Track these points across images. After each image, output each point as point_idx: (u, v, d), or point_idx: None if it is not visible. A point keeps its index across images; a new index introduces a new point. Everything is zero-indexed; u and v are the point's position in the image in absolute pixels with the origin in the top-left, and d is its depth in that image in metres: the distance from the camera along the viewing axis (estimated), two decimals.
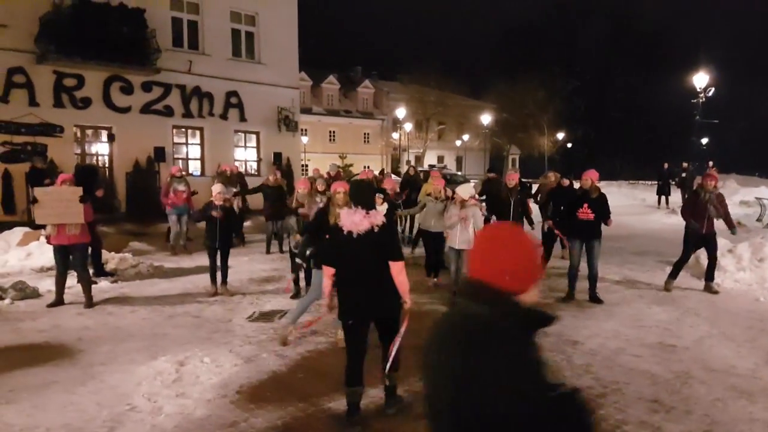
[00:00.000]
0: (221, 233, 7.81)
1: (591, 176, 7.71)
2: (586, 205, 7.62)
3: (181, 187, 11.60)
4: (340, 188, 5.18)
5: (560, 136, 40.37)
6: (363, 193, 4.21)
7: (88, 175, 9.74)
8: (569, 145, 41.79)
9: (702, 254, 8.94)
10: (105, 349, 5.74)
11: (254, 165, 19.73)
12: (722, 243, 9.71)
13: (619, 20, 43.80)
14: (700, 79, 18.18)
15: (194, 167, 18.32)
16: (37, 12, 14.33)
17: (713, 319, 6.91)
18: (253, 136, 19.72)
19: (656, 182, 22.62)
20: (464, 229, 7.47)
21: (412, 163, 18.77)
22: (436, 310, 7.33)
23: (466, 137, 46.01)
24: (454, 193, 7.90)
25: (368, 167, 21.24)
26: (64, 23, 14.35)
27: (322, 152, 40.37)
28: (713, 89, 18.25)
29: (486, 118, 34.83)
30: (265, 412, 4.30)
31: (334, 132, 45.59)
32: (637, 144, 41.04)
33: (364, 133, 48.07)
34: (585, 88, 37.31)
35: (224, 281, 8.14)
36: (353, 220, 3.97)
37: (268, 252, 11.83)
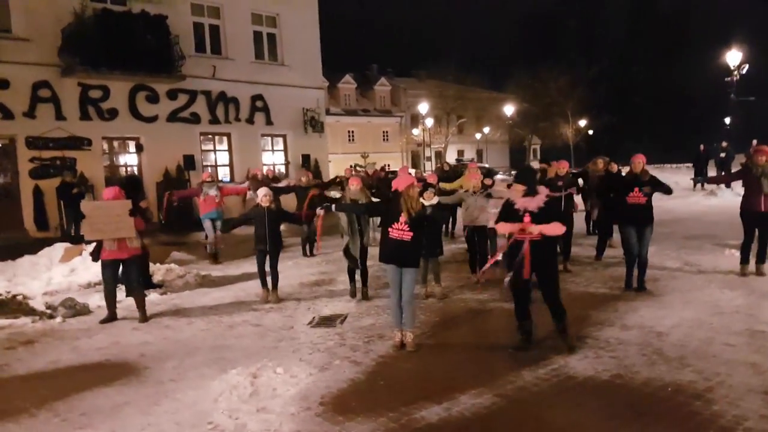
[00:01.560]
0: (270, 236, 7.63)
1: (641, 159, 7.47)
2: (636, 189, 7.35)
3: (213, 192, 11.47)
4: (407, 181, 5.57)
5: (582, 123, 39.65)
6: (532, 178, 5.58)
7: (133, 187, 9.60)
8: (590, 132, 41.04)
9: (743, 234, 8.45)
10: (171, 364, 5.55)
11: (282, 168, 19.57)
12: None
13: (637, 3, 42.84)
14: (733, 57, 17.58)
15: (223, 173, 18.22)
16: (60, 24, 14.30)
17: None
18: (280, 139, 19.58)
19: (691, 164, 22.00)
20: None
21: (432, 158, 18.73)
22: (496, 307, 7.06)
23: (486, 130, 45.46)
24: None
25: (405, 165, 20.99)
26: (88, 34, 14.30)
27: (342, 153, 40.18)
28: (747, 66, 17.65)
29: (508, 110, 34.27)
30: (356, 424, 4.06)
31: (353, 132, 45.40)
32: (662, 127, 40.21)
33: (383, 131, 47.81)
34: (607, 74, 36.56)
35: (275, 286, 7.94)
36: (530, 202, 5.18)
37: (305, 255, 11.67)
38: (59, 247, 10.63)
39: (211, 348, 5.99)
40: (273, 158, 19.48)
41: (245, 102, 18.16)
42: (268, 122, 18.80)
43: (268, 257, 7.78)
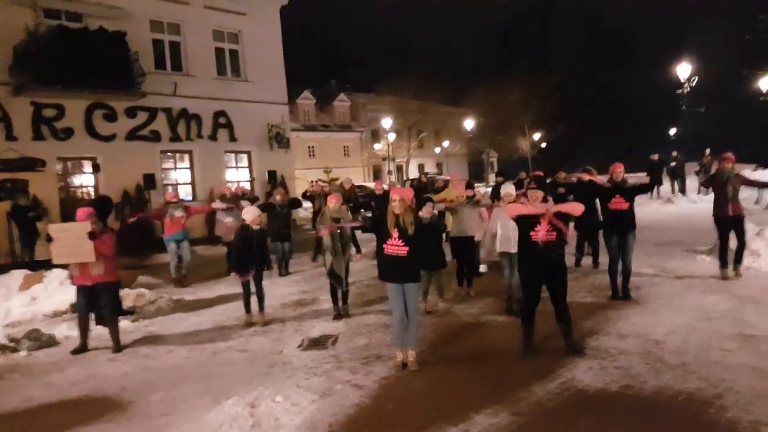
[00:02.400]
0: (258, 258, 7.48)
1: (620, 168, 7.65)
2: (618, 195, 7.46)
3: (178, 213, 11.09)
4: (396, 195, 5.36)
5: (537, 136, 40.61)
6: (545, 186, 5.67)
7: (103, 208, 9.11)
8: (543, 144, 42.04)
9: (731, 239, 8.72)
10: (158, 396, 5.21)
11: (248, 185, 19.14)
12: (749, 227, 9.61)
13: (589, 19, 44.39)
14: (684, 70, 18.30)
15: (185, 192, 17.66)
16: (11, 41, 13.65)
17: (765, 301, 6.71)
18: (245, 156, 19.19)
19: (646, 173, 22.65)
20: (516, 230, 7.10)
21: (394, 173, 18.88)
22: (490, 320, 6.98)
23: (446, 143, 45.92)
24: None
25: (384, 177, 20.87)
26: (41, 52, 13.69)
27: (303, 168, 39.71)
28: (696, 78, 18.41)
29: (468, 124, 34.74)
30: None
31: (313, 147, 45.06)
32: (612, 138, 41.63)
33: (344, 146, 47.66)
34: (561, 87, 37.61)
35: (261, 308, 7.63)
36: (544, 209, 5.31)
37: (281, 274, 11.37)
38: (17, 275, 10.01)
39: (199, 377, 5.66)
40: (237, 175, 19.04)
41: (208, 118, 17.73)
42: (232, 139, 18.40)
43: (253, 279, 7.51)
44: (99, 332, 7.19)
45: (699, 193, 19.77)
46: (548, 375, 5.02)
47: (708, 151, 19.50)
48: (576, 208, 5.45)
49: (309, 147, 45.09)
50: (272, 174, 19.36)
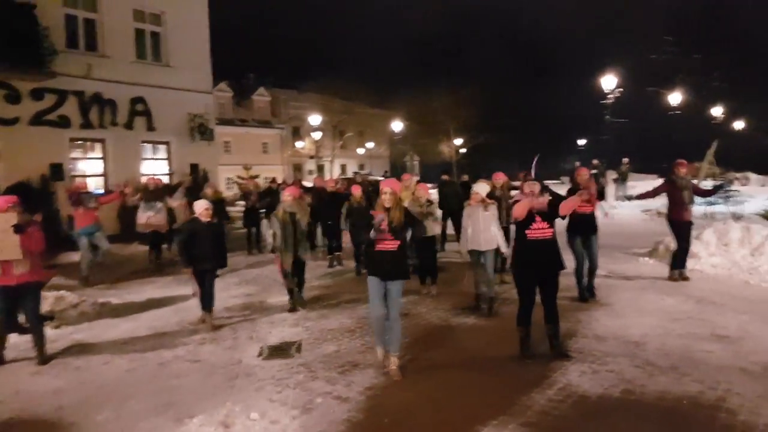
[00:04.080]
0: (214, 253, 6.86)
1: (586, 171, 7.89)
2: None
3: (92, 204, 10.17)
4: (387, 188, 5.06)
5: (459, 141, 41.47)
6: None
7: (27, 197, 7.87)
8: (463, 150, 43.05)
9: (673, 242, 8.99)
10: (105, 416, 4.43)
11: (166, 179, 17.78)
12: None
13: (508, 32, 46.19)
14: (608, 81, 19.15)
15: (96, 184, 16.09)
16: None
17: (732, 305, 6.91)
18: (163, 147, 17.78)
19: (559, 181, 23.60)
20: (486, 229, 6.92)
21: (314, 171, 18.60)
22: (460, 322, 6.68)
23: (370, 145, 45.68)
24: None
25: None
26: None
27: (218, 164, 37.99)
28: (621, 90, 19.34)
29: (395, 126, 34.68)
30: None
31: (229, 142, 43.18)
32: (528, 146, 43.37)
33: (263, 143, 46.09)
34: (483, 95, 38.80)
35: (208, 307, 6.93)
36: (542, 203, 5.23)
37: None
38: None
39: (150, 392, 4.90)
40: (155, 167, 17.61)
41: (124, 105, 16.24)
42: (150, 128, 16.97)
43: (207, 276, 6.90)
44: (14, 341, 6.16)
45: (617, 199, 20.77)
46: (542, 381, 4.77)
47: (626, 159, 20.53)
48: (571, 203, 5.33)
49: (225, 142, 43.19)
50: (194, 167, 18.10)
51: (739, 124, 32.15)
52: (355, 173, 18.33)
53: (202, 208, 6.84)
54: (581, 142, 49.82)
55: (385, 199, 4.97)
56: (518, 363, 5.23)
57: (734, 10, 34.19)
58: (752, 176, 25.78)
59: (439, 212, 9.12)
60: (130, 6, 16.42)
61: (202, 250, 6.72)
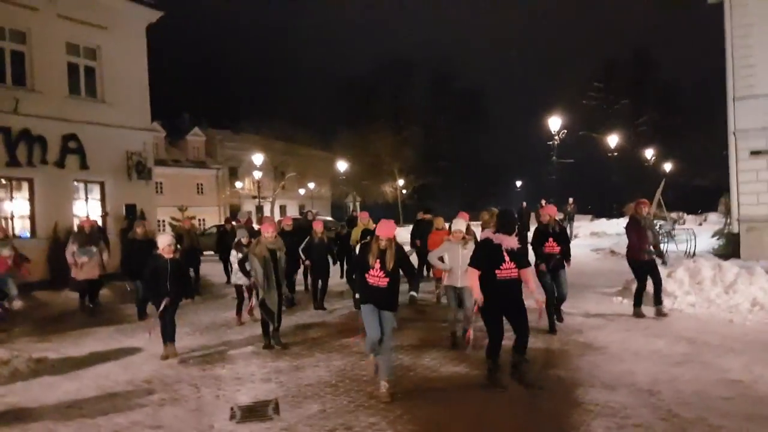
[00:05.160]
0: (173, 289, 6.76)
1: (553, 211, 8.24)
2: (551, 239, 7.85)
3: (6, 252, 9.70)
4: (383, 234, 5.42)
5: (401, 182, 41.65)
6: (511, 222, 5.63)
7: None
8: (404, 191, 43.25)
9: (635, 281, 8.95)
10: None
11: (100, 221, 16.39)
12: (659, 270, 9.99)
13: (439, 78, 47.30)
14: (554, 123, 19.64)
15: (22, 227, 14.61)
16: None
17: (726, 345, 6.73)
18: (97, 186, 16.47)
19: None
20: (464, 265, 6.55)
21: (254, 213, 18.11)
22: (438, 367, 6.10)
23: (311, 185, 45.02)
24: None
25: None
26: None
27: (155, 205, 36.22)
28: (565, 131, 19.87)
29: (340, 166, 34.29)
30: None
31: (161, 183, 41.31)
32: (466, 188, 44.20)
33: (198, 184, 44.47)
34: (425, 138, 39.49)
35: (168, 340, 6.99)
36: (511, 241, 5.45)
37: (141, 318, 9.65)
38: None
39: None
40: (88, 208, 16.22)
41: (55, 142, 14.93)
42: (83, 166, 15.67)
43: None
44: None
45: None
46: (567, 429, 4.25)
47: (571, 199, 20.91)
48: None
49: (157, 183, 41.31)
50: (131, 208, 16.81)
51: (668, 166, 34.03)
52: (308, 211, 17.77)
53: (165, 244, 6.72)
54: (518, 183, 51.55)
55: (382, 243, 5.35)
56: (536, 420, 4.70)
57: (658, 60, 36.71)
58: (686, 216, 27.01)
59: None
60: (63, 39, 15.30)
61: (164, 287, 6.70)
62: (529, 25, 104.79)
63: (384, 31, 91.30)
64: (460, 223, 7.02)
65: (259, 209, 41.77)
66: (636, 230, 8.53)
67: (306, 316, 9.65)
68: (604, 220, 27.36)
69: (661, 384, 5.46)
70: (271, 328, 7.31)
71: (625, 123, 30.48)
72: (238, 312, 9.20)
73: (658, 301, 8.52)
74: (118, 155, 16.55)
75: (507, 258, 5.41)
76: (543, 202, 20.31)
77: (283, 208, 45.67)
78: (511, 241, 5.46)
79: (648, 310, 8.55)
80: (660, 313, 8.40)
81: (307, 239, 9.99)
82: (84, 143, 15.54)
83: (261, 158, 27.65)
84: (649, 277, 8.55)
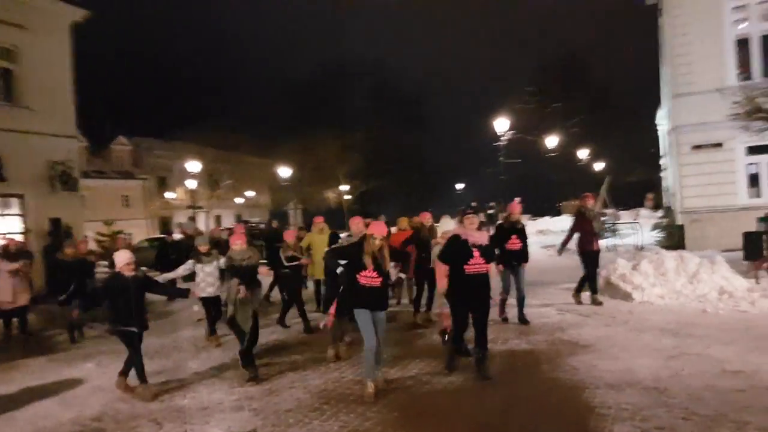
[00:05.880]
0: (138, 312, 5.81)
1: (518, 209, 8.32)
2: (515, 236, 7.94)
3: None
4: (377, 234, 5.29)
5: (345, 187, 41.05)
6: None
7: None
8: (348, 197, 42.74)
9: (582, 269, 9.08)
10: None
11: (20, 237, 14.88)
12: (623, 262, 10.02)
13: (381, 83, 47.15)
14: (501, 124, 19.74)
15: None
16: None
17: (711, 336, 6.64)
18: (16, 201, 14.95)
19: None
20: None
21: (186, 223, 17.46)
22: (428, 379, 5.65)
23: (251, 194, 43.53)
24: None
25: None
26: None
27: (82, 219, 33.79)
28: (513, 131, 20.04)
29: (282, 172, 33.06)
30: None
31: (83, 196, 38.80)
32: (407, 191, 44.22)
33: (123, 196, 42.00)
34: (367, 142, 39.14)
35: (144, 377, 5.84)
36: (479, 237, 5.61)
37: (72, 341, 8.83)
38: None
39: None
40: (5, 225, 14.71)
41: None
42: (0, 178, 14.22)
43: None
44: None
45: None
46: None
47: (518, 199, 21.06)
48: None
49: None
50: (56, 222, 15.40)
51: (599, 165, 35.29)
52: (271, 220, 16.81)
53: (123, 261, 5.73)
54: (459, 186, 52.50)
55: (375, 243, 5.22)
56: (556, 428, 4.31)
57: (589, 63, 38.32)
58: (620, 212, 27.97)
59: None
60: None
61: (127, 310, 5.73)
62: (469, 28, 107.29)
63: (325, 36, 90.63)
64: (448, 224, 6.71)
65: (192, 220, 39.98)
66: (582, 222, 8.90)
67: (267, 332, 8.88)
68: (548, 218, 27.88)
69: (665, 381, 5.23)
70: (256, 347, 6.60)
71: (559, 125, 31.30)
72: (212, 331, 8.22)
73: (594, 289, 8.86)
74: (39, 165, 15.14)
75: (476, 254, 5.53)
76: (517, 200, 20.43)
77: (218, 218, 43.92)
78: (479, 237, 5.61)
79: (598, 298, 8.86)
80: (596, 302, 8.73)
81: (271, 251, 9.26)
82: (1, 153, 14.09)
83: (198, 165, 26.25)
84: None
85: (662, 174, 32.24)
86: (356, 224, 9.70)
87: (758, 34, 13.74)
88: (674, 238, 15.40)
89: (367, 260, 5.23)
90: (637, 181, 33.43)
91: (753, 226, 11.86)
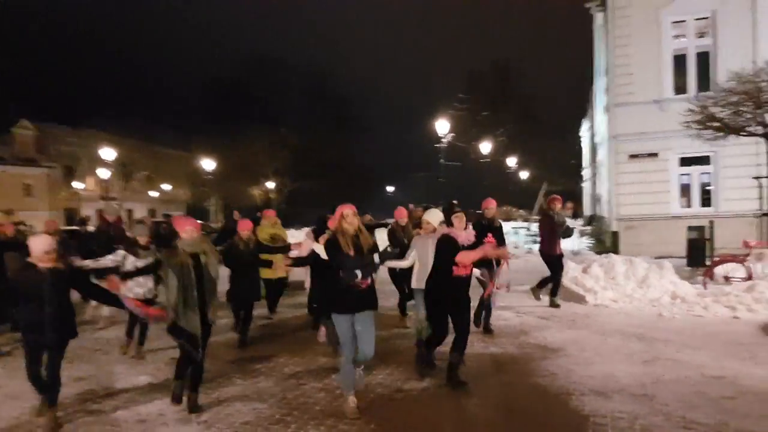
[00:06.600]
0: (53, 318, 4.36)
1: (493, 205, 7.81)
2: (490, 234, 6.99)
3: None
4: (348, 210, 4.61)
5: (271, 185, 39.65)
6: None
7: None
8: (274, 195, 41.45)
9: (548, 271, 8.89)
10: None
11: None
12: (573, 265, 9.98)
13: (313, 81, 46.15)
14: (442, 126, 19.60)
15: None
16: None
17: (675, 340, 6.56)
18: None
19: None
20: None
21: (108, 207, 16.04)
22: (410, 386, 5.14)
23: (167, 187, 41.03)
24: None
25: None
26: None
27: None
28: (453, 134, 19.95)
29: (207, 165, 31.22)
30: None
31: None
32: (338, 192, 43.41)
33: (25, 184, 38.40)
34: (299, 140, 38.04)
35: (50, 401, 4.46)
36: (468, 237, 5.24)
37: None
38: None
39: None
40: None
41: None
42: None
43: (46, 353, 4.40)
44: None
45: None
46: None
47: (456, 202, 20.99)
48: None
49: None
50: None
51: (524, 174, 36.28)
52: (234, 211, 14.11)
53: (40, 249, 4.31)
54: (390, 188, 52.72)
55: (349, 223, 4.52)
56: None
57: (518, 73, 39.34)
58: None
59: None
60: None
61: (38, 314, 4.29)
62: (404, 33, 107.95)
63: (256, 30, 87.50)
64: (432, 215, 5.94)
65: (101, 212, 37.25)
66: (548, 225, 8.66)
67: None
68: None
69: (650, 387, 4.99)
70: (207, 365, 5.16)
71: (488, 133, 31.85)
72: (129, 333, 6.74)
73: (555, 292, 8.68)
74: None
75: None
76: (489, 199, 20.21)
77: (130, 212, 41.15)
78: (465, 237, 5.21)
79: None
80: (554, 304, 8.61)
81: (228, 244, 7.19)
82: None
83: (113, 153, 24.10)
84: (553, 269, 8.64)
85: (583, 184, 33.67)
86: (268, 218, 8.82)
87: (694, 50, 14.38)
88: (604, 245, 15.80)
89: (344, 242, 4.45)
90: (560, 191, 34.64)
91: (684, 235, 12.26)
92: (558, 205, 8.76)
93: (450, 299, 5.16)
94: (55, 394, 4.45)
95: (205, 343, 4.77)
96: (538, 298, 8.80)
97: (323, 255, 5.35)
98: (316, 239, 6.41)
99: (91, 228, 13.57)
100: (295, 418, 4.55)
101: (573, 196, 33.30)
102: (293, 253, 6.94)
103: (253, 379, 5.64)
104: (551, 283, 8.70)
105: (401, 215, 7.86)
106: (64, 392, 4.82)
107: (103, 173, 27.69)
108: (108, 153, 23.26)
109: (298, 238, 9.70)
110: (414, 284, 5.97)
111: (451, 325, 5.20)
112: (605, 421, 4.27)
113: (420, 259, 5.83)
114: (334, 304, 4.55)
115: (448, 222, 5.47)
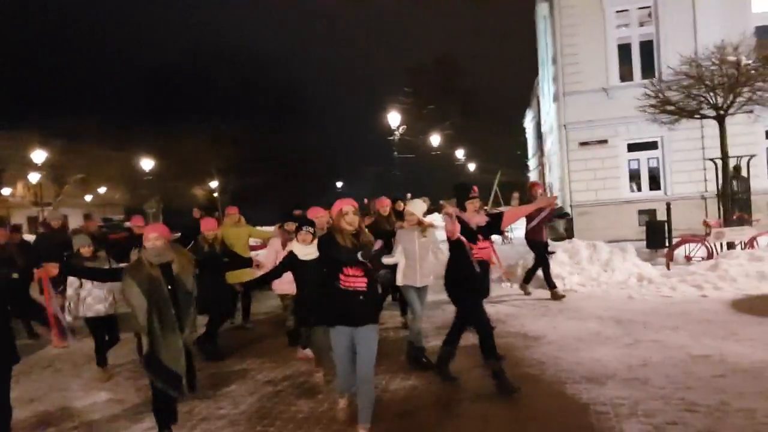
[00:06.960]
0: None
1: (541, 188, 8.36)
2: (480, 236, 6.86)
3: None
4: (348, 207, 3.84)
5: (214, 184, 38.39)
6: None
7: None
8: (218, 194, 40.21)
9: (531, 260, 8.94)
10: None
11: None
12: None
13: (256, 75, 45.10)
14: (394, 119, 19.40)
15: None
16: None
17: (653, 322, 6.58)
18: None
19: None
20: (423, 258, 5.45)
21: (51, 213, 14.98)
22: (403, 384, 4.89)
23: (101, 190, 38.88)
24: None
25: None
26: None
27: None
28: (404, 127, 19.76)
29: (146, 164, 29.71)
30: None
31: None
32: (284, 188, 42.66)
33: None
34: (239, 136, 36.93)
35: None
36: (478, 217, 4.79)
37: None
38: None
39: None
40: None
41: None
42: None
43: None
44: None
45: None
46: None
47: (409, 195, 20.83)
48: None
49: None
50: None
51: (472, 166, 36.66)
52: (195, 209, 12.25)
53: None
54: (339, 184, 52.50)
55: (349, 221, 3.76)
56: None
57: (462, 66, 39.64)
58: (502, 208, 29.15)
59: None
60: None
61: None
62: (353, 27, 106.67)
63: (195, 21, 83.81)
64: (415, 206, 5.51)
65: (34, 220, 35.03)
66: (536, 212, 8.32)
67: None
68: (436, 214, 28.23)
69: (640, 370, 4.93)
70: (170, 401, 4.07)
71: (435, 126, 31.97)
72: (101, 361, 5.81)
73: (527, 279, 8.70)
74: None
75: (480, 237, 4.75)
76: (475, 188, 19.93)
77: (65, 218, 38.83)
78: (478, 217, 4.81)
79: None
80: (525, 291, 8.63)
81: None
82: None
83: (43, 155, 22.47)
84: (536, 256, 8.56)
85: (530, 174, 34.34)
86: (230, 215, 7.97)
87: (638, 39, 14.77)
88: (557, 231, 16.01)
89: (343, 239, 3.72)
90: (506, 182, 35.24)
91: (635, 219, 12.54)
92: (539, 191, 8.84)
93: (479, 287, 4.76)
94: (7, 423, 3.83)
95: (191, 370, 3.94)
96: (527, 292, 8.64)
97: (302, 255, 5.01)
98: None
99: (28, 237, 12.48)
100: (277, 429, 4.22)
101: (521, 186, 34.02)
102: (260, 272, 5.19)
103: (226, 388, 5.24)
104: (530, 269, 8.67)
105: (383, 204, 7.32)
106: (15, 416, 4.28)
107: (34, 177, 25.96)
108: (37, 155, 21.72)
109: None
110: (400, 281, 5.47)
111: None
112: (606, 408, 4.15)
113: (407, 254, 5.41)
114: (330, 315, 3.85)
115: (461, 207, 4.84)
